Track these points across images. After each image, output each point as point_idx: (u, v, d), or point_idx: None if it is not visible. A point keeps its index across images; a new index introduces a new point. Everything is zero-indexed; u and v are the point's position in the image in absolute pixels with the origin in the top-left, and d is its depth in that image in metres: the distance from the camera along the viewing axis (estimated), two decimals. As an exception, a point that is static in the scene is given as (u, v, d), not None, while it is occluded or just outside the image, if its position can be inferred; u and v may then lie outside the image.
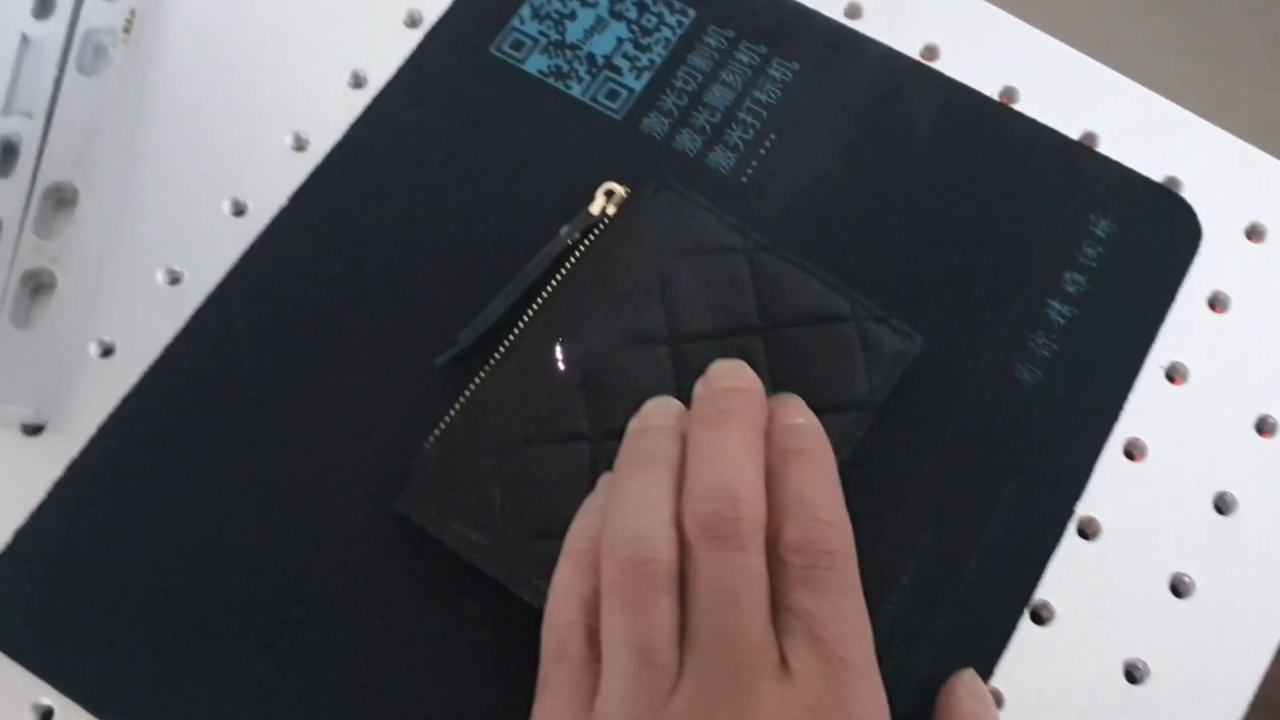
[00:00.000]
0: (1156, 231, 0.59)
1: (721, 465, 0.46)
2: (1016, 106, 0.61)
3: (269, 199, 0.60)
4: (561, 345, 0.54)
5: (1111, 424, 0.55)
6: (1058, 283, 0.57)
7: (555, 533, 0.49)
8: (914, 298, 0.57)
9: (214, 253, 0.59)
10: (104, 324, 0.58)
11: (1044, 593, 0.53)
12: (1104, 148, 0.61)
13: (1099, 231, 0.58)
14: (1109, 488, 0.54)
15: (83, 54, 0.63)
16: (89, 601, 0.52)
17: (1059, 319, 0.57)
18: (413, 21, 0.64)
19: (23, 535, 0.53)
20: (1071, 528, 0.54)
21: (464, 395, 0.54)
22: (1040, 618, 0.52)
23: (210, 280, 0.58)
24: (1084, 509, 0.54)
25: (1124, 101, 0.62)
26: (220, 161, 0.61)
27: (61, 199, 0.60)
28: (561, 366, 0.54)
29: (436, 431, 0.53)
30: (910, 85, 0.62)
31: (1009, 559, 0.53)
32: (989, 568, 0.52)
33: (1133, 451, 0.55)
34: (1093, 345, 0.56)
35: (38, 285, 0.58)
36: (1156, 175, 0.60)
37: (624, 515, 0.46)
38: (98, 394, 0.56)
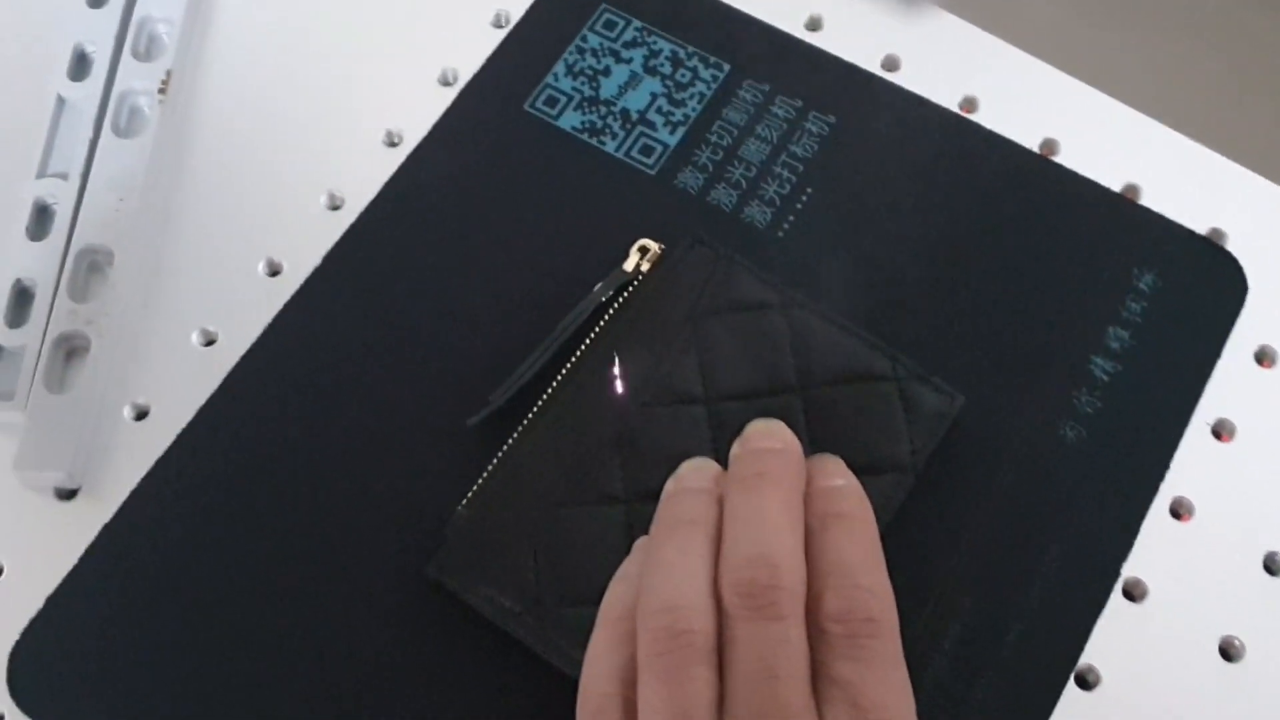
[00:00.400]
0: (1201, 285, 0.58)
1: (759, 531, 0.44)
2: (1057, 158, 0.61)
3: (303, 259, 0.59)
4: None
5: (1157, 483, 0.54)
6: (1101, 338, 0.56)
7: (590, 599, 0.48)
8: (955, 355, 0.56)
9: (249, 314, 0.58)
10: (138, 387, 0.58)
11: (1090, 657, 0.52)
12: (1146, 200, 0.60)
13: (1142, 286, 0.57)
14: (1155, 548, 0.53)
15: (118, 115, 0.63)
16: (120, 669, 0.52)
17: (1103, 375, 0.56)
18: (446, 80, 0.64)
19: (54, 601, 0.53)
20: (1117, 590, 0.53)
21: (497, 457, 0.53)
22: (1087, 683, 0.51)
23: (245, 341, 0.58)
24: (1130, 570, 0.53)
25: (1167, 152, 0.61)
26: (255, 222, 0.61)
27: (95, 261, 0.60)
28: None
29: (469, 494, 0.52)
30: (948, 138, 0.61)
31: (1054, 623, 0.52)
32: (1033, 632, 0.51)
33: (1179, 511, 0.54)
34: (1137, 402, 0.55)
35: (72, 349, 0.58)
36: (1200, 227, 0.59)
37: (660, 583, 0.45)
38: (132, 457, 0.56)
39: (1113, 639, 0.52)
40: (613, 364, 0.54)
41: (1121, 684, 0.51)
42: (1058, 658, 0.51)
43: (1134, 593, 0.53)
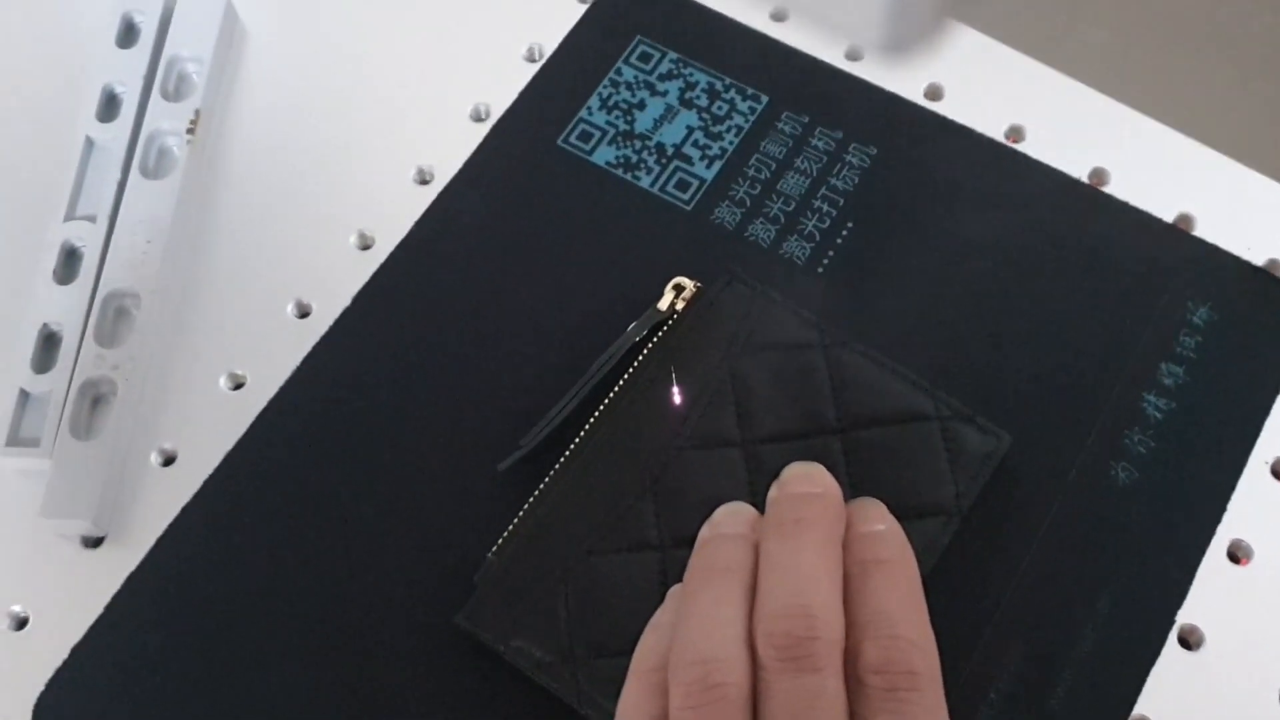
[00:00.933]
0: (1259, 318, 0.56)
1: (795, 579, 0.43)
2: (1107, 189, 0.59)
3: (333, 300, 0.58)
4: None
5: (1214, 525, 0.52)
6: (1153, 375, 0.55)
7: (623, 649, 0.46)
8: (1001, 394, 0.54)
9: (278, 356, 0.57)
10: (166, 432, 0.57)
11: (1144, 708, 0.50)
12: (1201, 230, 0.58)
13: (1197, 320, 0.56)
14: (1212, 594, 0.51)
15: (146, 156, 0.62)
16: (145, 721, 0.51)
17: (1156, 414, 0.54)
18: (479, 116, 0.63)
19: (79, 652, 0.52)
20: (1172, 637, 0.51)
21: (527, 503, 0.52)
22: (1141, 735, 0.50)
23: (274, 384, 0.57)
24: (1185, 617, 0.51)
25: (1221, 181, 0.59)
26: (284, 263, 0.60)
27: (123, 305, 0.59)
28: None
29: (499, 541, 0.51)
30: (994, 169, 0.60)
31: (1106, 672, 0.50)
32: (1084, 681, 0.50)
33: (1237, 554, 0.52)
34: (1192, 441, 0.54)
35: (98, 394, 0.57)
36: (1258, 258, 0.57)
37: (693, 633, 0.43)
38: (158, 504, 0.55)
39: (1168, 689, 0.50)
40: (646, 406, 0.53)
41: (1178, 736, 0.49)
42: (1110, 710, 0.49)
43: (1190, 640, 0.51)
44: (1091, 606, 0.51)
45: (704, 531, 0.47)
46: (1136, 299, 0.56)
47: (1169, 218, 0.58)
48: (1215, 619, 0.51)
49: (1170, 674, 0.50)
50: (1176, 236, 0.58)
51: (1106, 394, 0.54)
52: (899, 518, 0.46)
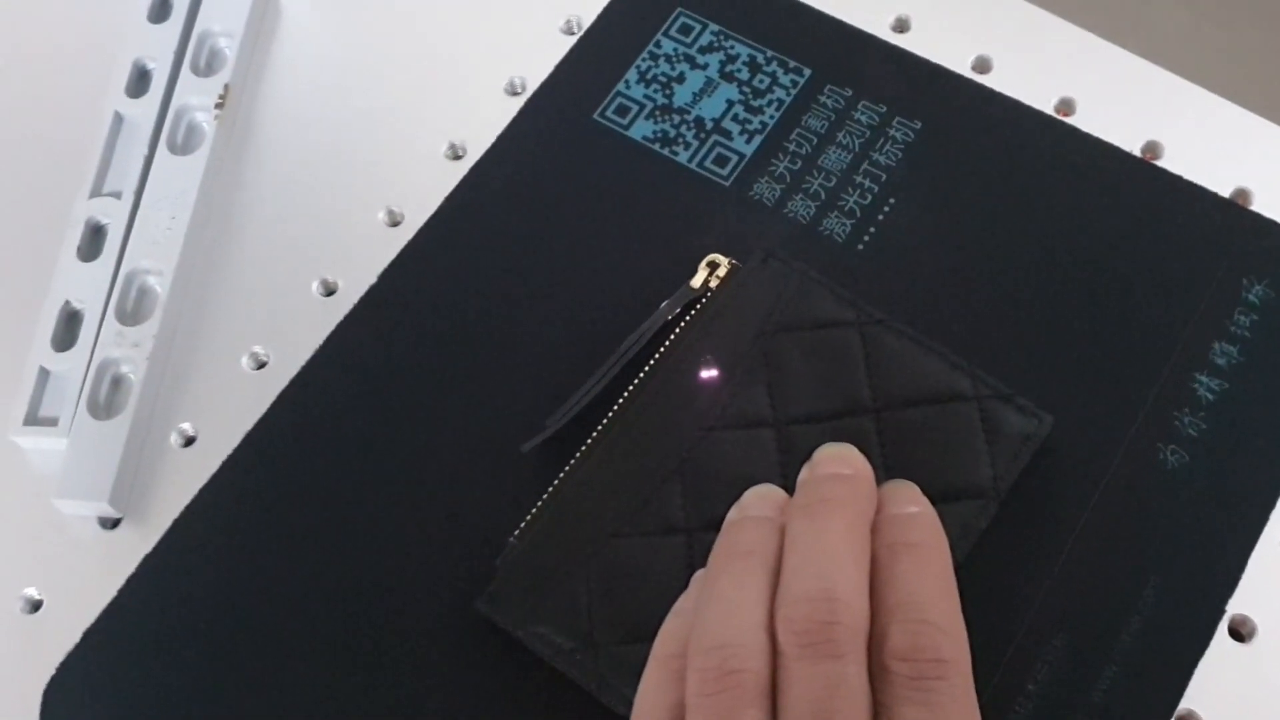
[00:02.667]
0: (1319, 297, 0.54)
1: (818, 562, 0.41)
2: (1160, 163, 0.57)
3: (360, 277, 0.57)
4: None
5: (1268, 511, 0.50)
6: (1206, 354, 0.52)
7: (647, 635, 0.45)
8: (1044, 374, 0.52)
9: (302, 335, 0.56)
10: (186, 413, 0.56)
11: (1192, 702, 0.48)
12: (1259, 205, 0.56)
13: (1253, 297, 0.53)
14: (1266, 583, 0.49)
15: (174, 132, 0.61)
16: (158, 706, 0.50)
17: (1207, 395, 0.52)
18: (514, 89, 0.61)
19: (91, 635, 0.51)
20: (1222, 628, 0.49)
21: (552, 485, 0.50)
22: (1188, 731, 0.48)
23: (298, 365, 0.56)
24: (1237, 607, 0.49)
25: (1281, 154, 0.57)
26: (311, 240, 0.59)
27: (145, 283, 0.58)
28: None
29: (522, 525, 0.50)
30: (1043, 143, 0.58)
31: (1151, 665, 0.48)
32: (1129, 674, 0.48)
33: (1294, 541, 0.50)
34: (1246, 424, 0.51)
35: (118, 373, 0.56)
36: (1319, 235, 0.55)
37: (712, 618, 0.42)
38: (177, 485, 0.54)
39: (1217, 682, 0.48)
40: (676, 386, 0.51)
41: (1227, 733, 0.47)
42: (1156, 704, 0.47)
43: (1241, 631, 0.49)
44: (1137, 596, 0.49)
45: (731, 514, 0.46)
46: (1189, 275, 0.54)
47: (1225, 192, 0.56)
48: (1269, 609, 0.49)
49: (1220, 667, 0.48)
50: (1233, 211, 0.55)
51: (1156, 374, 0.52)
52: (933, 500, 0.44)
